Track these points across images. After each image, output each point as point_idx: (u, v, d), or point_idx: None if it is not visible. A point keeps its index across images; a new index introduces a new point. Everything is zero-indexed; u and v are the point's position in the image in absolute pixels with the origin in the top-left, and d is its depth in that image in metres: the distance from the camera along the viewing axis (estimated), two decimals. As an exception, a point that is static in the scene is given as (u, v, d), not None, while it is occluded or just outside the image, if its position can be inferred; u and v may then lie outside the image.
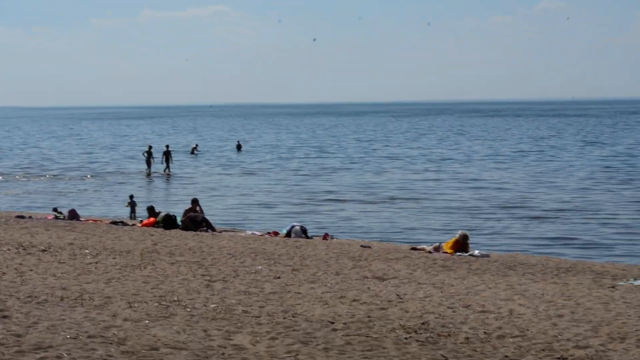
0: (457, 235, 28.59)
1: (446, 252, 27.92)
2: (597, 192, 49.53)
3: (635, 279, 23.10)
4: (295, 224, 33.38)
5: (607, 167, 65.75)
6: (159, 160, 66.55)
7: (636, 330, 16.09)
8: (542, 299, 19.26)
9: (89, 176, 63.87)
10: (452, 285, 21.01)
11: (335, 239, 32.78)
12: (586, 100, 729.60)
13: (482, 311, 17.72)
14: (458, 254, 27.69)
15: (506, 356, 14.14)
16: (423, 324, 16.34)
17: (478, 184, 54.84)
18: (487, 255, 27.71)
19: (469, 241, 28.53)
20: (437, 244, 28.89)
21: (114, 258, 24.10)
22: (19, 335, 13.72)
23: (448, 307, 18.05)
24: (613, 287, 21.59)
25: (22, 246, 25.59)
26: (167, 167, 66.18)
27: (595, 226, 37.39)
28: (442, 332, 15.72)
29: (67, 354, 12.80)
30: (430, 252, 28.10)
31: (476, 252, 27.91)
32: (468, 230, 29.96)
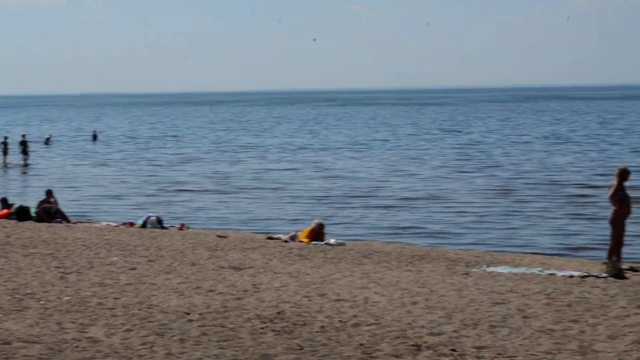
0: (313, 224, 28.74)
1: (302, 241, 28.04)
2: (450, 180, 50.28)
3: (487, 266, 23.56)
4: (150, 214, 33.14)
5: (460, 155, 66.79)
6: (18, 151, 65.12)
7: (489, 317, 16.39)
8: (396, 287, 19.47)
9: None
10: (308, 274, 21.09)
11: (191, 229, 32.66)
12: (446, 88, 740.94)
13: (338, 299, 17.82)
14: (314, 242, 27.85)
15: (361, 344, 14.24)
16: (279, 313, 16.36)
17: (333, 173, 55.21)
18: (343, 244, 27.92)
19: (324, 230, 28.72)
20: (293, 232, 29.01)
21: (-36, 251, 23.55)
22: None
23: (304, 296, 18.10)
24: (466, 274, 21.96)
25: None
26: (25, 157, 64.88)
27: (448, 214, 37.96)
28: (298, 321, 15.78)
29: None
30: (286, 241, 28.18)
31: (332, 240, 28.11)
32: (324, 219, 30.16)
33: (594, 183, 46.30)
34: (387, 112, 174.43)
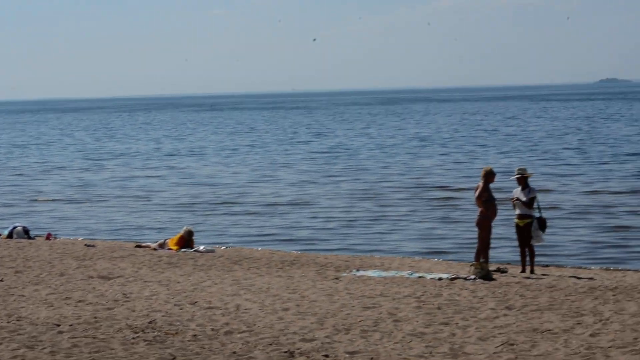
0: (182, 231, 28.64)
1: (171, 249, 27.92)
2: (316, 185, 50.40)
3: (357, 270, 23.78)
4: (17, 224, 32.51)
5: (326, 159, 67.04)
6: None
7: (360, 321, 16.57)
8: (268, 293, 19.55)
9: None
10: (179, 282, 21.03)
11: (58, 239, 32.18)
12: (310, 92, 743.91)
13: (209, 307, 17.82)
14: (183, 250, 27.76)
15: (234, 352, 14.26)
16: (150, 322, 16.27)
17: (200, 180, 54.97)
18: (213, 251, 27.90)
19: (193, 237, 28.62)
20: (162, 240, 28.86)
21: None
22: None
23: (175, 305, 18.05)
24: (337, 278, 22.14)
25: None
26: None
27: (315, 220, 38.07)
28: (170, 330, 15.70)
29: None
30: (155, 249, 28.03)
31: (201, 247, 28.05)
32: (192, 226, 30.05)
33: (459, 185, 46.97)
34: (253, 117, 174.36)
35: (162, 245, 28.25)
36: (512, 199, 23.90)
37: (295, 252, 29.58)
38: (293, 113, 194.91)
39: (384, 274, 23.11)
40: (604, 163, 56.94)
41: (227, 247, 30.07)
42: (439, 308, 17.91)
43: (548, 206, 31.85)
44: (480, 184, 23.55)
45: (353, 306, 18.07)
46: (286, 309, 17.73)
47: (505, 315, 17.25)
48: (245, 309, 17.69)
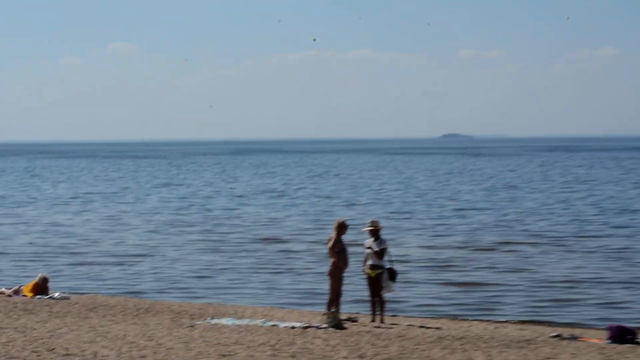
0: (37, 278, 28.30)
1: (26, 295, 27.57)
2: (165, 234, 50.11)
3: (212, 318, 23.92)
4: None
5: (176, 208, 66.82)
6: None
7: (217, 368, 16.77)
8: (124, 341, 19.55)
9: None
10: (35, 329, 20.84)
11: None
12: (156, 141, 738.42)
13: (67, 354, 17.75)
14: (38, 296, 27.43)
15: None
16: (8, 369, 16.16)
17: (51, 227, 54.22)
18: (68, 298, 27.64)
19: (48, 284, 28.31)
20: (17, 287, 28.46)
21: None
22: None
23: (32, 352, 17.91)
24: (192, 326, 22.26)
25: None
26: None
27: (166, 268, 37.87)
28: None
29: None
30: (9, 295, 27.63)
31: (56, 294, 27.77)
32: (47, 273, 29.71)
33: (307, 238, 47.46)
34: (104, 165, 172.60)
35: (16, 292, 27.87)
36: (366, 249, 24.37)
37: (149, 300, 29.52)
38: (144, 162, 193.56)
39: (237, 322, 23.31)
40: (447, 217, 58.26)
41: (81, 295, 29.83)
42: (293, 356, 18.20)
43: (396, 258, 32.46)
44: (333, 235, 23.98)
45: (209, 354, 18.23)
46: (143, 357, 17.78)
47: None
48: (103, 356, 17.68)
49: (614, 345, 21.18)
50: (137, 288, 33.36)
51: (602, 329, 23.85)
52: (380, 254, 24.11)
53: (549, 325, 25.53)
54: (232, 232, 50.52)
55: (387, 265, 24.20)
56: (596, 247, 42.26)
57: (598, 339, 22.14)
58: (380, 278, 24.05)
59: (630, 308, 28.44)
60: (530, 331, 23.90)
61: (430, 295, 31.15)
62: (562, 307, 28.75)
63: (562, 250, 41.32)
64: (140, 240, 47.44)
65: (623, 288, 31.59)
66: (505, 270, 35.87)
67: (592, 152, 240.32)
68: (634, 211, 60.42)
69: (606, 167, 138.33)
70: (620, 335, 21.79)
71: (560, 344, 21.05)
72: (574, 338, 22.26)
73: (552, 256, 39.59)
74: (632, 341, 21.68)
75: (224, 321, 23.41)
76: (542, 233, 48.18)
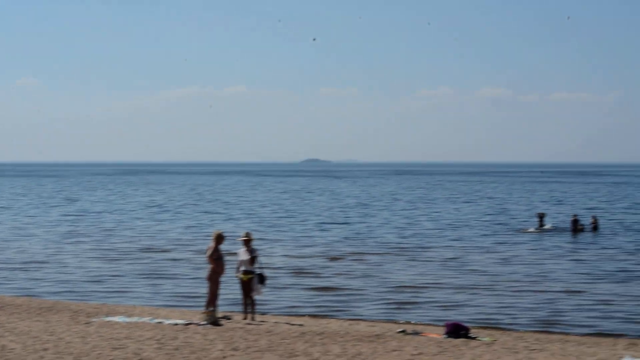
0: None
1: (-62, 297, 26.87)
2: (63, 244, 49.35)
3: (106, 316, 23.70)
4: None
5: (73, 222, 65.72)
6: None
7: None
8: (29, 335, 19.26)
9: None
10: (-53, 326, 20.34)
11: None
12: (65, 163, 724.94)
13: (-23, 347, 17.39)
14: (-51, 298, 26.77)
15: (2, 385, 14.07)
16: None
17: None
18: (-24, 299, 27.04)
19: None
20: None
21: None
22: None
23: (-55, 345, 17.50)
24: (88, 323, 22.01)
25: None
26: None
27: (66, 274, 37.37)
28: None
29: None
30: None
31: (-34, 296, 27.14)
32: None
33: (188, 247, 47.30)
34: (9, 183, 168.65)
35: None
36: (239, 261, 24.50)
37: (50, 300, 29.04)
38: (46, 180, 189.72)
39: (128, 319, 23.14)
40: (309, 230, 58.65)
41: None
42: (176, 349, 18.18)
43: (265, 265, 32.57)
44: (212, 244, 24.04)
45: (103, 347, 18.10)
46: (45, 349, 17.57)
47: (232, 355, 17.72)
48: (10, 349, 17.40)
49: (450, 339, 21.68)
50: (39, 290, 32.75)
51: (440, 326, 24.39)
52: (252, 261, 24.26)
53: (396, 323, 25.95)
54: (121, 242, 49.94)
55: (258, 271, 24.35)
56: (434, 256, 43.01)
57: (437, 334, 22.62)
58: (251, 282, 24.18)
59: (464, 308, 29.02)
60: (379, 328, 24.25)
61: (294, 298, 31.30)
62: (407, 308, 29.18)
63: (406, 259, 41.94)
64: (42, 249, 46.57)
65: (457, 292, 32.22)
66: (358, 276, 36.25)
67: (432, 175, 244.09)
68: (466, 226, 61.71)
69: (445, 188, 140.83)
70: (455, 331, 22.32)
71: (405, 338, 21.45)
72: (416, 333, 22.71)
73: (398, 264, 40.17)
74: (466, 336, 22.25)
75: (116, 319, 23.22)
76: (389, 244, 48.86)
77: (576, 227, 57.32)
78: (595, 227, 58.10)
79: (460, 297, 31.10)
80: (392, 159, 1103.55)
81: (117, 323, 22.39)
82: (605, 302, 30.01)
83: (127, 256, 43.22)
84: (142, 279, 35.70)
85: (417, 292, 32.32)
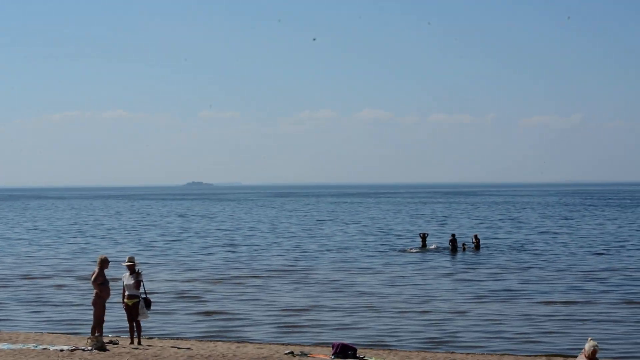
0: None
1: None
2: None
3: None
4: None
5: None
6: None
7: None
8: None
9: None
10: None
11: None
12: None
13: None
14: None
15: None
16: None
17: None
18: None
19: None
20: None
21: None
22: None
23: None
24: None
25: None
26: None
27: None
28: None
29: None
30: None
31: None
32: None
33: (73, 274, 46.55)
34: None
35: None
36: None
37: None
38: None
39: (12, 346, 22.66)
40: (195, 254, 58.37)
41: None
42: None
43: (150, 289, 32.31)
44: (96, 269, 23.74)
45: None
46: None
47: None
48: None
49: (338, 359, 21.87)
50: None
51: (328, 346, 24.53)
52: (137, 285, 24.02)
53: (283, 345, 25.97)
54: (1, 269, 48.81)
55: (143, 295, 24.13)
56: (320, 278, 43.21)
57: (324, 355, 22.77)
58: (136, 306, 23.94)
59: (352, 330, 29.18)
60: (267, 350, 24.26)
61: (180, 322, 31.03)
62: (295, 331, 29.21)
63: (292, 281, 42.04)
64: None
65: (344, 314, 32.37)
66: (244, 299, 36.16)
67: (316, 197, 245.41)
68: (351, 247, 62.23)
69: (329, 209, 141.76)
70: (343, 351, 22.54)
71: (293, 359, 21.54)
72: (304, 354, 22.82)
73: (285, 287, 40.23)
74: (354, 356, 22.48)
75: (1, 346, 22.69)
76: (275, 266, 48.94)
77: (455, 246, 58.52)
78: (477, 246, 59.42)
79: (347, 319, 31.29)
80: (275, 182, 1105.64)
81: (1, 350, 21.90)
82: (492, 321, 30.56)
83: (8, 283, 42.23)
84: (26, 306, 34.94)
85: (304, 314, 32.41)
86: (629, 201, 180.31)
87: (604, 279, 42.16)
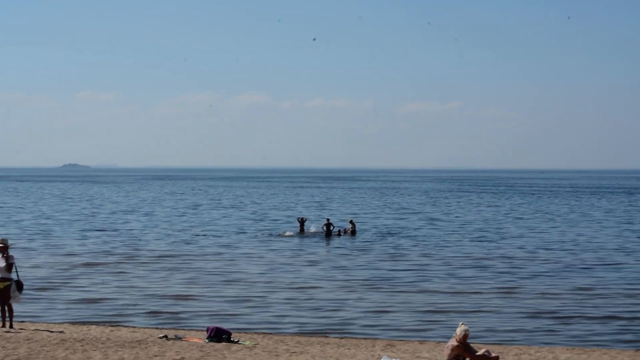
0: None
1: None
2: None
3: None
4: None
5: None
6: None
7: None
8: None
9: None
10: None
11: None
12: None
13: None
14: None
15: None
16: None
17: None
18: None
19: None
20: None
21: None
22: None
23: None
24: None
25: None
26: None
27: None
28: None
29: None
30: None
31: None
32: None
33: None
34: None
35: None
36: None
37: None
38: None
39: None
40: (71, 236, 57.57)
41: None
42: None
43: (23, 272, 31.76)
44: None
45: None
46: None
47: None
48: None
49: (212, 343, 22.00)
50: None
51: (202, 331, 24.64)
52: (9, 268, 23.62)
53: (158, 329, 25.90)
54: None
55: (15, 278, 23.76)
56: (199, 265, 42.90)
57: (199, 338, 22.87)
58: (8, 289, 23.55)
59: (229, 316, 29.20)
60: (141, 333, 24.21)
61: (53, 306, 30.65)
62: (172, 317, 29.09)
63: (170, 268, 41.75)
64: None
65: (222, 301, 32.29)
66: (120, 286, 35.79)
67: (194, 180, 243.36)
68: (230, 232, 62.17)
69: (207, 193, 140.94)
70: (217, 335, 22.69)
71: (167, 343, 21.59)
72: (178, 338, 22.87)
73: (162, 273, 39.97)
74: (228, 340, 22.65)
75: None
76: (154, 252, 48.60)
77: (329, 231, 59.16)
78: (353, 231, 60.20)
79: (222, 305, 31.28)
80: (152, 164, 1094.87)
81: None
82: (369, 308, 30.90)
83: None
84: None
85: (179, 300, 32.26)
86: (503, 188, 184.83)
87: (485, 266, 42.75)
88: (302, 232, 60.95)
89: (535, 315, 29.53)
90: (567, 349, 23.60)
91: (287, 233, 60.32)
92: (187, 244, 53.59)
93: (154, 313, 29.53)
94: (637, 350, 23.87)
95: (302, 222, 62.14)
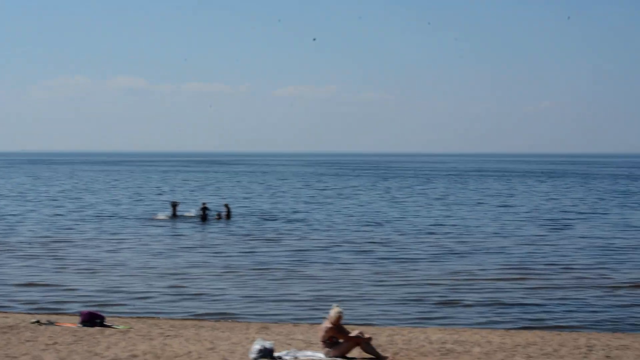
0: None
1: None
2: None
3: None
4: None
5: None
6: None
7: None
8: None
9: None
10: None
11: None
12: None
13: None
14: None
15: None
16: None
17: None
18: None
19: None
20: None
21: None
22: None
23: None
24: None
25: None
26: None
27: None
28: None
29: None
30: None
31: None
32: None
33: None
34: None
35: None
36: None
37: None
38: None
39: None
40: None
41: None
42: None
43: None
44: None
45: None
46: None
47: None
48: None
49: (85, 328, 21.93)
50: None
51: (76, 315, 24.37)
52: None
53: (29, 314, 25.48)
54: None
55: None
56: (70, 250, 42.33)
57: (72, 323, 22.72)
58: None
59: (105, 304, 28.93)
60: (13, 319, 23.88)
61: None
62: (43, 302, 28.69)
63: (40, 254, 41.05)
64: None
65: (97, 288, 31.79)
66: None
67: (70, 165, 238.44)
68: (104, 217, 61.39)
69: (80, 178, 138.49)
70: (91, 319, 22.59)
71: (39, 328, 21.43)
72: (51, 323, 22.68)
73: (35, 260, 39.20)
74: (101, 324, 22.58)
75: None
76: (29, 238, 47.74)
77: (205, 215, 59.16)
78: (228, 215, 60.26)
79: (98, 293, 30.81)
80: (25, 149, 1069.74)
81: None
82: (245, 293, 30.97)
83: None
84: None
85: (49, 288, 31.62)
86: (383, 171, 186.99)
87: (365, 251, 42.91)
88: (175, 215, 60.65)
89: (410, 299, 29.89)
90: (439, 329, 24.19)
91: (159, 216, 59.99)
92: (64, 229, 52.60)
93: (26, 301, 29.06)
94: (507, 330, 24.58)
95: (174, 205, 61.79)
